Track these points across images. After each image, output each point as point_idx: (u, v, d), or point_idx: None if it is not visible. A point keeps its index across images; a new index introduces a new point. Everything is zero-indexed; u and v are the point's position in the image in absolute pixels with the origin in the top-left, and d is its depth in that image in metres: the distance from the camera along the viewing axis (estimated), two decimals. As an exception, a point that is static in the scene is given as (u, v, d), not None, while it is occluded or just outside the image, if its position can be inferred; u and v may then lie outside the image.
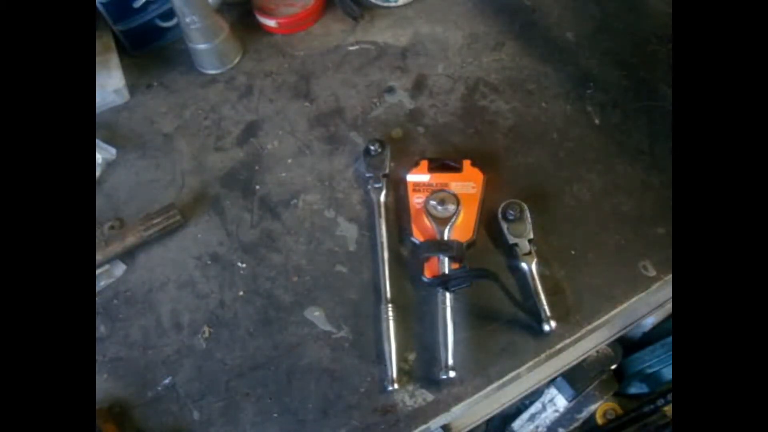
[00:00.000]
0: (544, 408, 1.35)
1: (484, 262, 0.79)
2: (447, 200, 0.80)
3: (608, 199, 0.83)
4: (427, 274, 0.77)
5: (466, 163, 0.84)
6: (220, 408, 0.73)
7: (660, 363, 1.33)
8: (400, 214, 0.84)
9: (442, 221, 0.79)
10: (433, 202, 0.80)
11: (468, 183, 0.82)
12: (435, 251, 0.77)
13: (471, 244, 0.80)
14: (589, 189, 0.85)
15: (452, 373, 0.70)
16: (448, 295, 0.73)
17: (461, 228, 0.80)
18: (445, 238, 0.78)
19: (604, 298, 0.76)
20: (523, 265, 0.77)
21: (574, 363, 1.14)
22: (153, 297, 0.82)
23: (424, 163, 0.85)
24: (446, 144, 0.91)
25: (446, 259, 0.76)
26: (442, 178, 0.84)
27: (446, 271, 0.76)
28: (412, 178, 0.84)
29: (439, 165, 0.85)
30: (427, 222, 0.80)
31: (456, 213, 0.79)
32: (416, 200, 0.82)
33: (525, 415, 1.40)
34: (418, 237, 0.80)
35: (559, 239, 0.81)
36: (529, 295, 0.76)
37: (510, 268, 0.79)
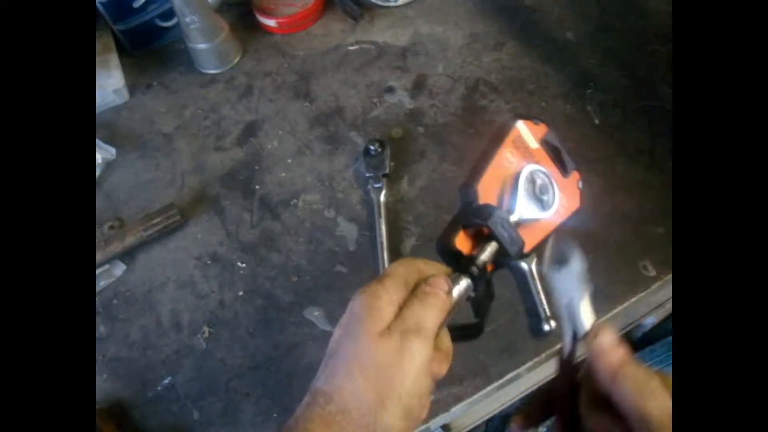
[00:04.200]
0: (544, 408, 1.35)
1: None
2: (547, 192, 0.56)
3: (608, 198, 0.83)
4: (457, 245, 0.51)
5: (575, 176, 0.61)
6: (219, 408, 0.73)
7: (660, 363, 1.33)
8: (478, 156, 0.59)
9: None
10: (537, 180, 0.56)
11: (562, 198, 0.58)
12: (502, 231, 0.50)
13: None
14: (589, 189, 0.84)
15: None
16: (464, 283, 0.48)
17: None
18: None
19: (604, 297, 0.76)
20: (523, 264, 0.77)
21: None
22: (153, 297, 0.82)
23: (543, 130, 0.60)
24: (446, 144, 0.91)
25: (490, 248, 0.51)
26: (545, 163, 0.59)
27: (483, 258, 0.51)
28: (522, 128, 0.59)
29: (554, 150, 0.60)
30: (502, 187, 0.55)
31: (546, 210, 0.56)
32: (507, 154, 0.57)
33: (525, 415, 1.40)
34: (479, 195, 0.54)
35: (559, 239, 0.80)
36: (529, 295, 0.76)
37: (510, 267, 0.79)
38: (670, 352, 1.29)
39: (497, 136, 0.57)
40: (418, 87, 0.98)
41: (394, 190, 0.87)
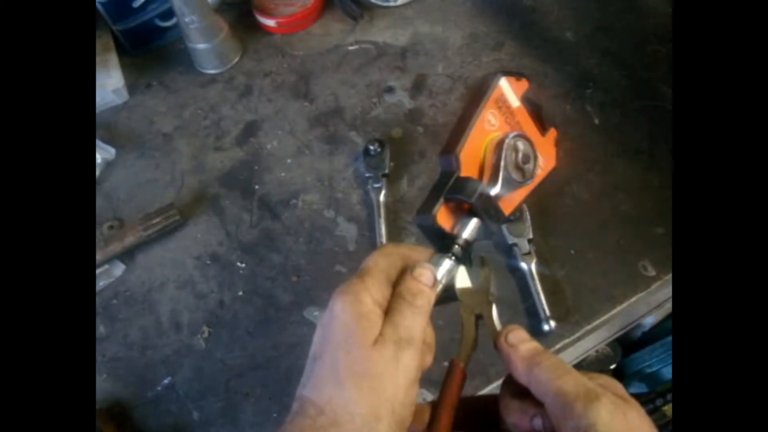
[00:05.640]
0: (543, 408, 1.35)
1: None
2: (529, 160, 0.53)
3: (608, 198, 0.83)
4: (440, 221, 0.48)
5: (552, 133, 0.58)
6: (219, 408, 0.73)
7: (659, 363, 1.33)
8: (457, 119, 0.53)
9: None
10: (520, 149, 0.52)
11: (540, 159, 0.55)
12: (485, 208, 0.48)
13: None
14: (589, 189, 0.85)
15: None
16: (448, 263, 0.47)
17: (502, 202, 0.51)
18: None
19: (604, 297, 0.76)
20: (523, 265, 0.77)
21: (574, 363, 1.14)
22: (152, 297, 0.82)
23: (524, 86, 0.55)
24: (446, 144, 0.91)
25: (471, 225, 0.49)
26: (526, 123, 0.55)
27: (464, 237, 0.48)
28: (505, 86, 0.54)
29: (534, 108, 0.57)
30: (484, 155, 0.52)
31: (527, 180, 0.53)
32: (490, 116, 0.52)
33: (524, 415, 1.40)
34: (461, 163, 0.49)
35: (559, 239, 0.80)
36: (529, 295, 0.76)
37: (509, 268, 0.79)
38: (670, 352, 1.29)
39: (478, 95, 0.52)
40: (418, 87, 0.98)
41: (394, 190, 0.87)
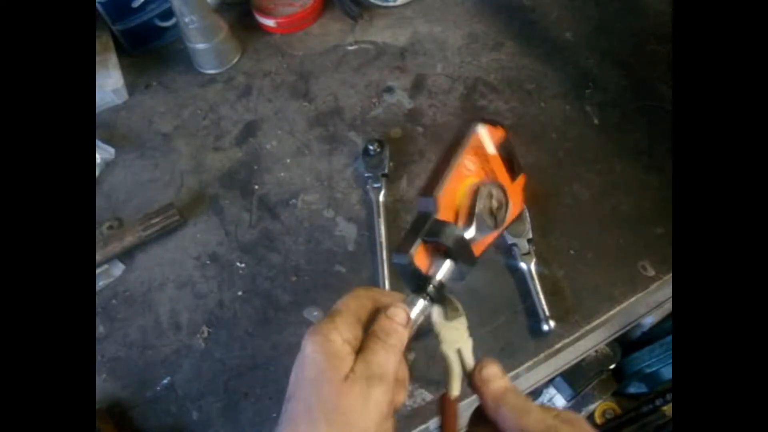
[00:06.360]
0: (543, 408, 1.34)
1: (482, 262, 0.79)
2: (501, 209, 0.55)
3: (607, 199, 0.83)
4: (417, 261, 0.49)
5: (521, 180, 0.58)
6: (219, 408, 0.73)
7: (658, 363, 1.33)
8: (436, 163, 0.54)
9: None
10: (494, 199, 0.53)
11: (510, 204, 0.56)
12: (460, 253, 0.50)
13: None
14: (588, 189, 0.85)
15: None
16: (420, 303, 0.48)
17: None
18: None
19: (603, 297, 0.76)
20: (522, 265, 0.77)
21: (573, 363, 1.14)
22: (152, 297, 0.82)
23: (501, 133, 0.56)
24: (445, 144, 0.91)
25: (446, 266, 0.50)
26: (499, 170, 0.56)
27: (439, 278, 0.49)
28: (483, 133, 0.54)
29: (507, 153, 0.57)
30: (460, 200, 0.53)
31: (498, 226, 0.54)
32: (467, 162, 0.53)
33: (524, 415, 1.39)
34: (438, 206, 0.50)
35: (558, 239, 0.81)
36: (528, 295, 0.76)
37: (509, 268, 0.79)
38: (670, 352, 1.29)
39: (457, 140, 0.54)
40: (417, 87, 0.98)
41: (393, 189, 0.87)
